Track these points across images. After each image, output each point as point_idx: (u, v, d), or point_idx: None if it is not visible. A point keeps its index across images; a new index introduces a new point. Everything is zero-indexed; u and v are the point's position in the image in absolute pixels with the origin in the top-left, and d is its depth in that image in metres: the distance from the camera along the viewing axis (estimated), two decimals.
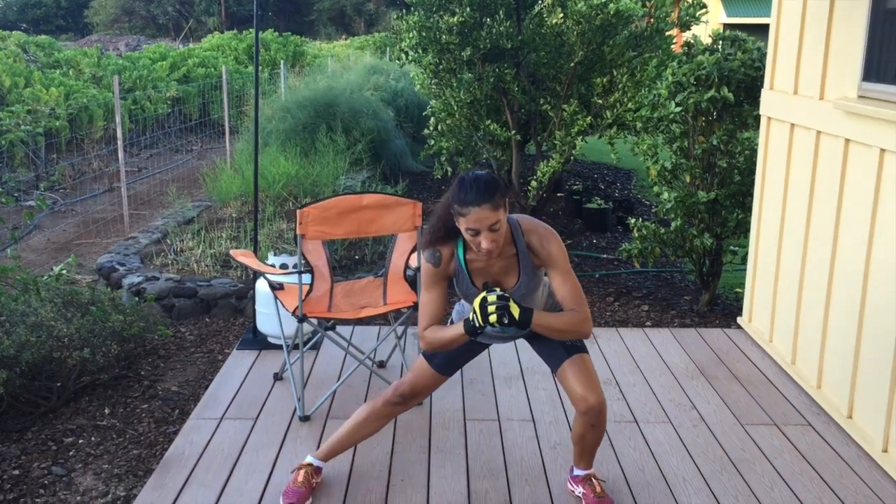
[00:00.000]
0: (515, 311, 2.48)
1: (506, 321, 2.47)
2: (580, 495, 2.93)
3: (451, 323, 2.85)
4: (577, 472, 2.96)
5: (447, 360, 2.85)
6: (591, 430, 2.77)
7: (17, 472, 3.35)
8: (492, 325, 2.48)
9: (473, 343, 2.84)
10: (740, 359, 4.28)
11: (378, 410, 2.89)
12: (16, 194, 8.98)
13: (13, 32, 16.72)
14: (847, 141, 3.49)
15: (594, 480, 2.92)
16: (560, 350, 2.74)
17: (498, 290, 2.54)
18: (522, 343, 4.40)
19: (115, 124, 8.08)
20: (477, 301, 2.50)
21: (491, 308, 2.46)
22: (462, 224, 2.49)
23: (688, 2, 6.50)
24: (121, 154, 8.15)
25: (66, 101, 11.33)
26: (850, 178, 3.49)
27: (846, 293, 3.50)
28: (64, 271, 4.78)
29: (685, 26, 6.58)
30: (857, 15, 3.46)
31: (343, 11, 44.96)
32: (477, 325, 2.50)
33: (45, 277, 4.63)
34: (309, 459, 2.99)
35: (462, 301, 2.89)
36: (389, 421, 2.95)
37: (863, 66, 3.39)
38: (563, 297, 2.62)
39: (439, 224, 2.63)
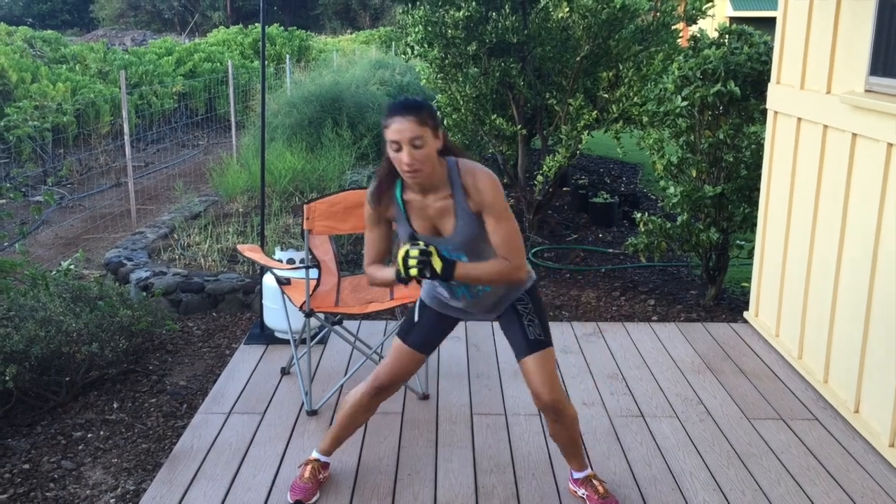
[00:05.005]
0: (437, 264, 2.46)
1: (427, 275, 2.46)
2: (584, 496, 2.91)
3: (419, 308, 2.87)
4: (575, 474, 2.95)
5: (422, 337, 2.81)
6: (556, 427, 2.76)
7: (26, 466, 3.37)
8: (415, 278, 2.48)
9: (444, 320, 2.83)
10: (747, 353, 4.28)
11: (364, 404, 2.85)
12: (23, 189, 9.02)
13: (19, 27, 16.77)
14: (854, 135, 3.48)
15: (594, 482, 2.90)
16: (523, 343, 2.70)
17: (421, 244, 2.49)
18: None
19: (122, 119, 8.10)
20: (400, 254, 2.48)
21: (412, 262, 2.45)
22: (387, 139, 2.47)
23: None
24: (128, 149, 8.17)
25: (73, 96, 11.36)
26: (858, 173, 3.48)
27: (853, 288, 3.50)
28: (72, 266, 4.80)
29: (691, 20, 6.56)
30: (864, 9, 3.45)
31: (348, 6, 44.93)
32: (402, 276, 2.50)
33: (54, 272, 4.65)
34: (315, 455, 3.01)
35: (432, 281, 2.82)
36: (377, 409, 2.93)
37: (870, 61, 3.39)
38: (496, 244, 2.53)
39: (383, 169, 2.62)
